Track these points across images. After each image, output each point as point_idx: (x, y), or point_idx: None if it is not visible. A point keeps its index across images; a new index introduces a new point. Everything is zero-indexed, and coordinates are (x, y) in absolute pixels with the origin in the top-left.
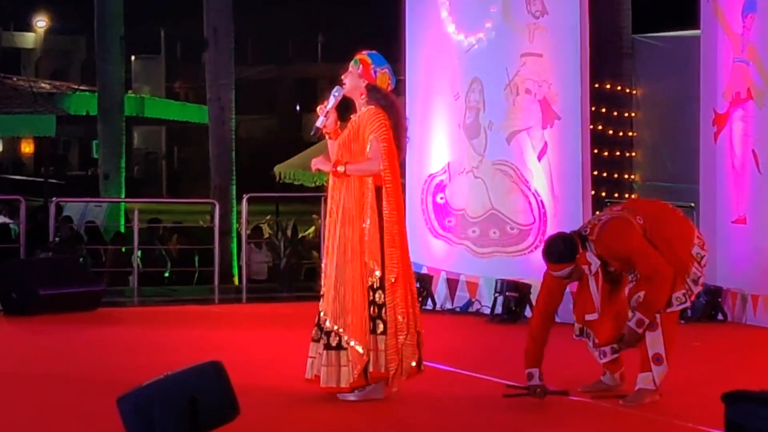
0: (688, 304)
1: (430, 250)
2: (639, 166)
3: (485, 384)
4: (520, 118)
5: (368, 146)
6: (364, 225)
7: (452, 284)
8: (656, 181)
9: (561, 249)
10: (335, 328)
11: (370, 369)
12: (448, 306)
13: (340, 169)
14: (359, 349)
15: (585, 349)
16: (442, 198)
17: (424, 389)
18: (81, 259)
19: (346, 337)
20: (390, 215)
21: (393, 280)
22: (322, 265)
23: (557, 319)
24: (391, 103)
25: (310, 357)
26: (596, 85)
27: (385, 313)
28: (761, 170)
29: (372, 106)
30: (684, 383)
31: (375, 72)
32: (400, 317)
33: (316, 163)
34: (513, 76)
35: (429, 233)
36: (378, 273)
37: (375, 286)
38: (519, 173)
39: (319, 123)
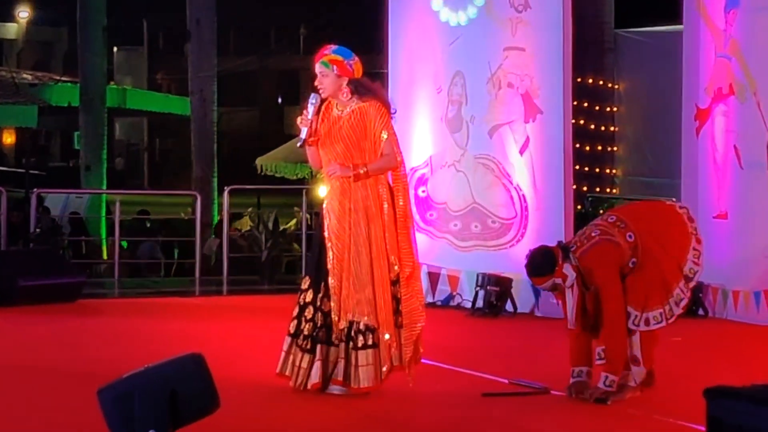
0: (665, 324)
1: None
2: (621, 160)
3: (466, 378)
4: (503, 111)
5: (381, 144)
6: (384, 221)
7: (433, 278)
8: (638, 176)
9: (539, 262)
10: (366, 326)
11: (395, 364)
12: (429, 300)
13: (362, 171)
14: (393, 348)
15: (568, 344)
16: (423, 191)
17: (405, 383)
18: (62, 251)
19: (382, 334)
20: (404, 209)
21: (408, 273)
22: (330, 264)
23: (538, 314)
24: (378, 90)
25: (318, 360)
26: (578, 80)
27: (402, 306)
28: (743, 166)
29: (369, 100)
30: (665, 378)
31: (350, 65)
32: (421, 306)
33: (336, 171)
34: (495, 70)
35: None
36: (397, 268)
37: (394, 281)
38: (501, 167)
39: (304, 135)
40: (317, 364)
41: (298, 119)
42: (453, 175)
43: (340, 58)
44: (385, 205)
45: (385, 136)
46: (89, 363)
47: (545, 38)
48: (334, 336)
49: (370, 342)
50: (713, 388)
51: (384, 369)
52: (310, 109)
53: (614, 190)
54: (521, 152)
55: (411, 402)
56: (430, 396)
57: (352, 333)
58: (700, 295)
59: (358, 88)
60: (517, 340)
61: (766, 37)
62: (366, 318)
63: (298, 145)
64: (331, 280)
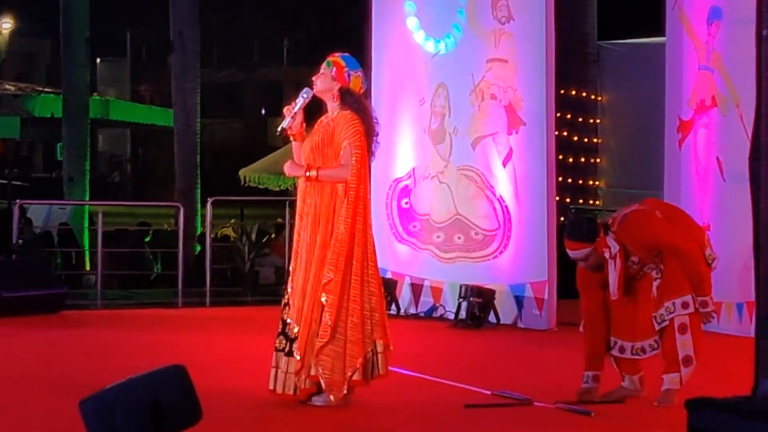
0: (693, 310)
1: (394, 254)
2: (604, 172)
3: (448, 389)
4: (486, 123)
5: (342, 152)
6: (329, 232)
7: (416, 289)
8: (621, 188)
9: (583, 228)
10: (295, 335)
11: (312, 374)
12: (412, 311)
13: (312, 174)
14: (297, 356)
15: (554, 355)
16: (407, 203)
17: (387, 394)
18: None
19: (299, 347)
20: (346, 222)
21: (330, 278)
22: (290, 269)
23: (521, 325)
24: (364, 108)
25: (275, 368)
26: (561, 92)
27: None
28: (725, 177)
29: (347, 111)
30: (647, 389)
31: (348, 75)
32: (328, 322)
33: (288, 168)
34: (478, 82)
35: (393, 238)
36: (337, 279)
37: (328, 290)
38: (484, 179)
39: (285, 124)
40: (272, 372)
41: (285, 108)
42: (436, 187)
43: (342, 63)
44: (338, 216)
45: (345, 145)
46: (71, 374)
47: (528, 50)
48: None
49: (292, 350)
50: (694, 399)
51: (303, 378)
52: (299, 101)
53: (597, 202)
54: (504, 164)
55: (393, 413)
56: (413, 407)
57: (290, 338)
58: None
59: (346, 98)
60: (499, 352)
61: (749, 49)
62: (295, 326)
63: (277, 132)
64: (290, 282)
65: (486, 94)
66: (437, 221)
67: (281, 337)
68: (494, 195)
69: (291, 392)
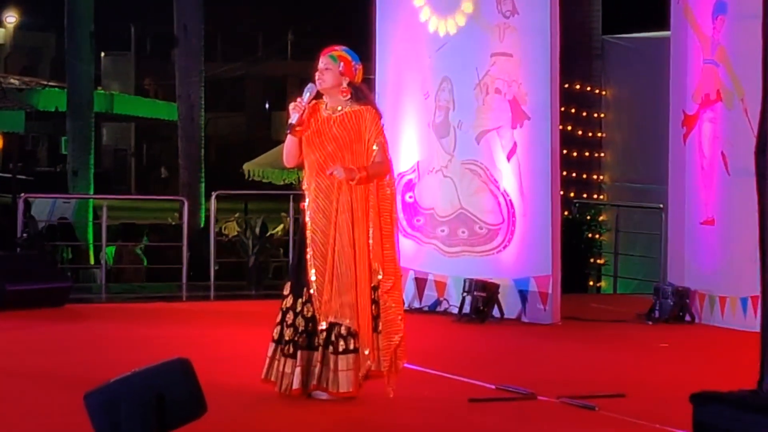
0: None
1: (398, 248)
2: (608, 166)
3: (452, 383)
4: (490, 117)
5: (374, 151)
6: (369, 227)
7: (420, 283)
8: (625, 182)
9: None
10: (348, 330)
11: (373, 368)
12: (416, 305)
13: (364, 174)
14: (366, 351)
15: (558, 350)
16: (411, 197)
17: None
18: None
19: (361, 340)
20: (390, 217)
21: (389, 285)
22: (313, 264)
23: (525, 320)
24: (371, 100)
25: (298, 366)
26: (566, 86)
27: (381, 313)
28: (730, 172)
29: (369, 106)
30: (652, 384)
31: (355, 69)
32: (399, 318)
33: (340, 173)
34: (483, 76)
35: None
36: (380, 276)
37: (375, 286)
38: (488, 173)
39: (293, 121)
40: (297, 370)
41: (291, 105)
42: (440, 181)
43: (348, 57)
44: (371, 212)
45: (378, 144)
46: (76, 368)
47: (533, 44)
48: (315, 340)
49: (351, 347)
50: (700, 393)
51: (361, 374)
52: (305, 96)
53: (601, 196)
54: (508, 158)
55: (397, 407)
56: (417, 401)
57: (333, 337)
58: (687, 301)
59: (359, 94)
60: (503, 346)
61: (754, 43)
62: (348, 321)
63: (287, 130)
64: (314, 278)
65: (490, 88)
66: (441, 215)
67: (303, 335)
68: (498, 189)
69: (355, 388)
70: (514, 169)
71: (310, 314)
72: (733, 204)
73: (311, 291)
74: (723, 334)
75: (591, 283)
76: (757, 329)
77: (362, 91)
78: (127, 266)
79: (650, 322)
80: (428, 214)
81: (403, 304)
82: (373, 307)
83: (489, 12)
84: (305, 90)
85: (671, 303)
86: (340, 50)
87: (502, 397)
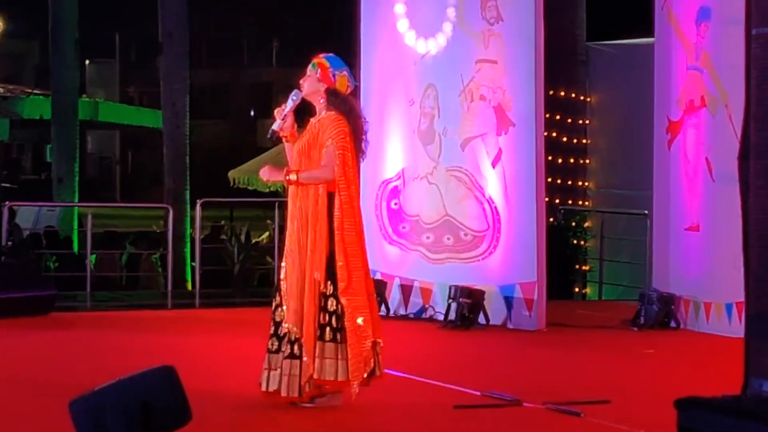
0: None
1: (384, 255)
2: (593, 173)
3: (438, 390)
4: (475, 124)
5: (324, 152)
6: (316, 234)
7: (406, 290)
8: (610, 188)
9: None
10: (295, 337)
11: (315, 377)
12: (402, 312)
13: (292, 177)
14: (305, 359)
15: (543, 356)
16: (396, 204)
17: (376, 395)
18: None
19: (300, 347)
20: (341, 224)
21: (343, 287)
22: (282, 270)
23: (511, 326)
24: (350, 108)
25: (267, 369)
26: (551, 92)
27: (340, 320)
28: (714, 178)
29: (332, 112)
30: (637, 390)
31: (333, 75)
32: (360, 321)
33: (266, 174)
34: (468, 83)
35: (383, 239)
36: (329, 282)
37: (327, 293)
38: (473, 179)
39: (275, 126)
40: (265, 373)
41: (276, 111)
42: (425, 188)
43: (327, 64)
44: (319, 217)
45: (328, 145)
46: (61, 375)
47: (517, 51)
48: (281, 344)
49: (294, 352)
50: (684, 398)
51: (304, 381)
52: (289, 103)
53: (586, 203)
54: (493, 165)
55: (383, 414)
56: (402, 408)
57: (285, 340)
58: (672, 307)
59: (332, 99)
60: (489, 353)
61: (738, 49)
62: (293, 327)
63: (268, 135)
64: (283, 284)
65: (475, 95)
66: (426, 222)
67: (274, 338)
68: (483, 196)
69: (296, 395)
70: (499, 175)
71: (279, 319)
72: (718, 210)
73: (282, 296)
74: (708, 340)
75: (576, 289)
76: (742, 335)
77: (338, 96)
78: (145, 274)
79: (636, 329)
80: (413, 221)
81: (371, 309)
82: (321, 315)
83: (473, 19)
84: (290, 97)
85: (656, 309)
86: (321, 57)
87: (487, 403)
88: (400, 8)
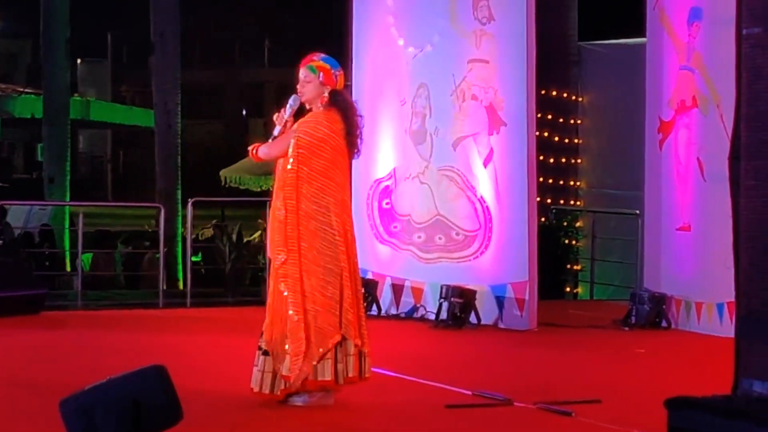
0: None
1: (375, 255)
2: (584, 172)
3: (429, 389)
4: (467, 124)
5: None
6: (277, 213)
7: (397, 290)
8: (602, 188)
9: None
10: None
11: (283, 373)
12: (393, 311)
13: (251, 147)
14: (268, 354)
15: (534, 356)
16: (387, 203)
17: (368, 395)
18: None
19: (273, 347)
20: (289, 203)
21: (281, 262)
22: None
23: (502, 326)
24: (350, 105)
25: (256, 367)
26: (542, 92)
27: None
28: (706, 178)
29: (330, 109)
30: (627, 389)
31: (336, 76)
32: (294, 314)
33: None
34: (459, 82)
35: (374, 238)
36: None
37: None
38: (465, 179)
39: (276, 132)
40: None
41: (275, 116)
42: (417, 187)
43: (327, 66)
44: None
45: (295, 128)
46: (51, 374)
47: (509, 51)
48: None
49: (263, 348)
50: (674, 398)
51: (277, 379)
52: (288, 109)
53: (578, 203)
54: (485, 164)
55: (374, 413)
56: (394, 407)
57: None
58: (664, 307)
59: (335, 98)
60: (480, 352)
61: (729, 49)
62: (265, 323)
63: (270, 142)
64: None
65: (467, 95)
66: (418, 222)
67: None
68: (475, 195)
69: (268, 391)
70: (491, 175)
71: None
72: (709, 210)
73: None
74: (699, 340)
75: (568, 289)
76: (733, 335)
77: (340, 95)
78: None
79: (627, 328)
80: (405, 221)
81: (299, 296)
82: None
83: (465, 19)
84: (289, 103)
85: (647, 309)
86: (318, 60)
87: (478, 403)
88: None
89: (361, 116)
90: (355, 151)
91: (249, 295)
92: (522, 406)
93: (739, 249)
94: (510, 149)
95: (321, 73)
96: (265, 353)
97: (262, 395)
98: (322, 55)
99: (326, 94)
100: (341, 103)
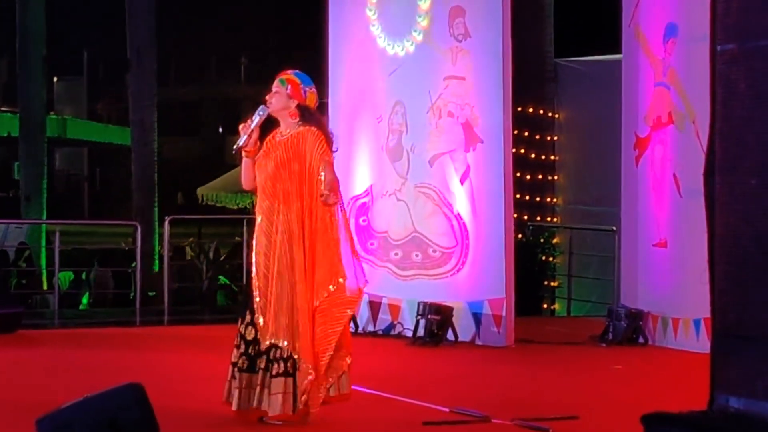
0: None
1: None
2: (561, 189)
3: (407, 407)
4: (443, 141)
5: (322, 172)
6: (304, 245)
7: (374, 307)
8: (578, 205)
9: None
10: (288, 353)
11: (332, 394)
12: (370, 329)
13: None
14: (311, 376)
15: (512, 372)
16: (364, 220)
17: (345, 412)
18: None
19: (301, 363)
20: (335, 239)
21: (325, 297)
22: (256, 285)
23: (479, 342)
24: (323, 124)
25: (238, 388)
26: (519, 109)
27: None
28: (682, 194)
29: (312, 127)
30: (605, 406)
31: (305, 92)
32: (331, 335)
33: (326, 197)
34: (436, 99)
35: None
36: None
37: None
38: (441, 196)
39: (241, 142)
40: (236, 392)
41: (241, 126)
42: (393, 204)
43: (297, 80)
44: (306, 225)
45: (325, 164)
46: (28, 393)
47: (485, 67)
48: (258, 363)
49: (285, 370)
50: (651, 414)
51: (303, 398)
52: (255, 119)
53: (555, 219)
54: (462, 181)
55: (352, 430)
56: (372, 424)
57: (271, 357)
58: (641, 323)
59: (306, 115)
60: (458, 369)
61: (704, 66)
62: (284, 343)
63: (233, 151)
64: (257, 299)
65: (443, 112)
66: (395, 239)
67: (244, 357)
68: (452, 212)
69: (290, 412)
70: (468, 192)
71: (251, 336)
72: (686, 226)
73: (255, 313)
74: (676, 356)
75: (545, 305)
76: (709, 351)
77: (311, 113)
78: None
79: (604, 345)
80: (382, 238)
81: (338, 321)
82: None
83: (441, 35)
84: (257, 112)
85: (624, 325)
86: (290, 73)
87: (456, 420)
88: (371, 12)
89: (333, 135)
90: None
91: (226, 313)
92: (499, 422)
93: (714, 264)
94: (486, 166)
95: (289, 86)
96: (285, 373)
97: (240, 412)
98: (297, 71)
99: (293, 107)
100: (315, 121)
